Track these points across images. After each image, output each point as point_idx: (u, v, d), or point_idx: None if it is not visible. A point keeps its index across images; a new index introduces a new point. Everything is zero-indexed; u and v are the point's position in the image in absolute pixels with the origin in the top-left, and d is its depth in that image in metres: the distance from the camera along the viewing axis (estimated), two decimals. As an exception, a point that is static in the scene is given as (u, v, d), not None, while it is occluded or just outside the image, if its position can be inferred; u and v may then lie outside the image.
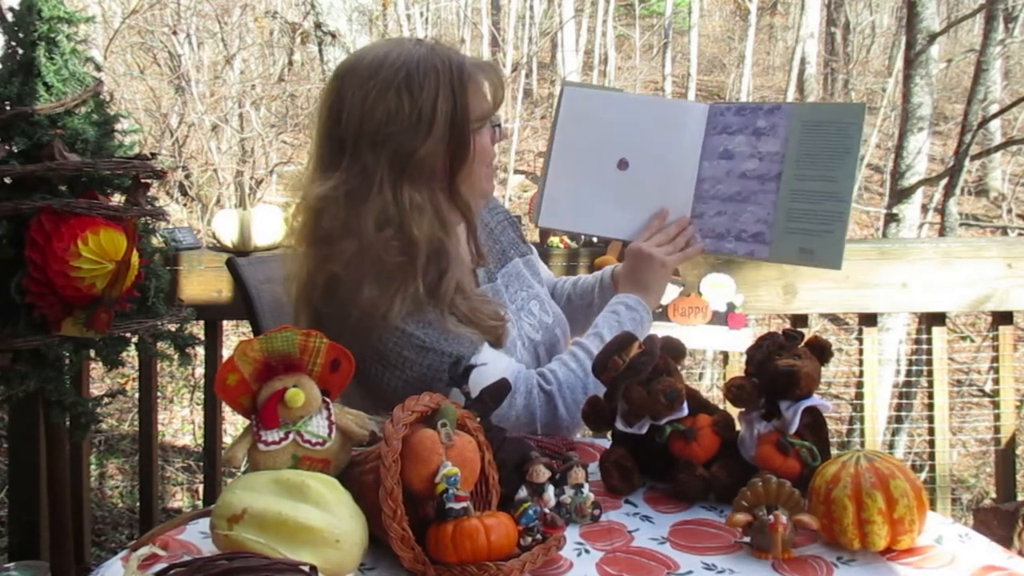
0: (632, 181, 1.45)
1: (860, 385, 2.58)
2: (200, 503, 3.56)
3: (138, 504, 2.77)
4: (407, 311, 1.25)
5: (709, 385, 5.81)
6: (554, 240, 2.53)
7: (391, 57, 1.29)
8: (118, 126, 1.79)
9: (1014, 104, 7.25)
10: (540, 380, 1.33)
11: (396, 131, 1.26)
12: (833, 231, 1.34)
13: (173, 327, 1.84)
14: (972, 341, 6.78)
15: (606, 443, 1.25)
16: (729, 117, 1.44)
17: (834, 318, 7.41)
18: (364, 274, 1.25)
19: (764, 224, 1.39)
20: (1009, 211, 9.84)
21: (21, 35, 1.69)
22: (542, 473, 1.04)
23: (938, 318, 2.53)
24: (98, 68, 1.92)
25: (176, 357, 1.89)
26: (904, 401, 4.75)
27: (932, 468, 2.55)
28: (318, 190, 1.29)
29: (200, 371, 3.07)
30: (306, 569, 0.74)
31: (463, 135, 1.29)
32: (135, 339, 1.83)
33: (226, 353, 1.89)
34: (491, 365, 1.25)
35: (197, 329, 2.20)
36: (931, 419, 2.52)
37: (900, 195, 4.75)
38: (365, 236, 1.25)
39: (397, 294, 1.25)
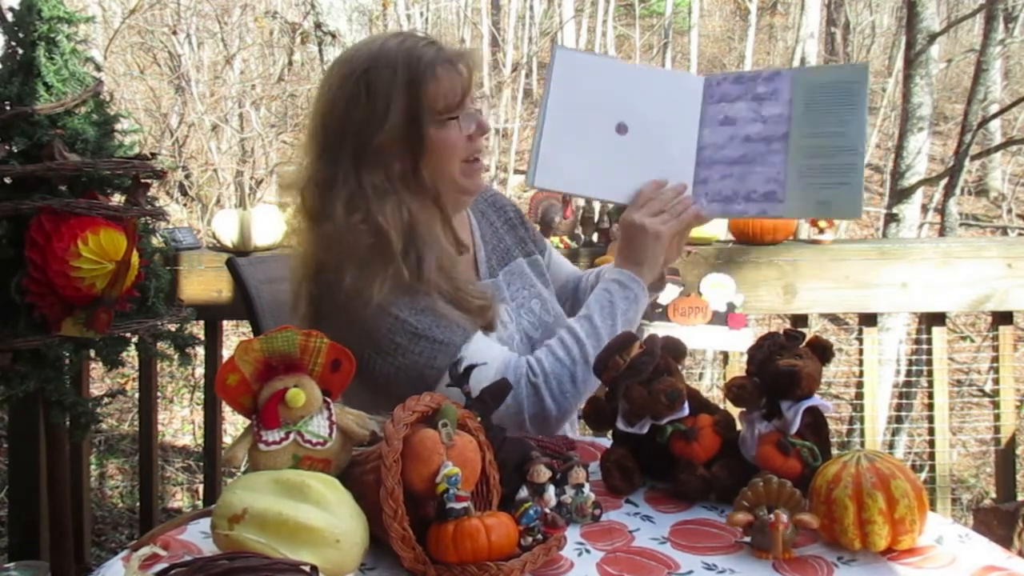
0: (631, 146, 1.38)
1: (860, 385, 2.58)
2: (200, 503, 3.56)
3: (138, 504, 2.77)
4: (395, 296, 1.27)
5: (709, 385, 5.81)
6: (554, 239, 2.53)
7: (363, 51, 1.36)
8: (118, 126, 1.79)
9: (1014, 104, 7.25)
10: (528, 371, 1.31)
11: (355, 122, 1.32)
12: (850, 182, 1.30)
13: (173, 327, 1.84)
14: (972, 341, 6.78)
15: (607, 443, 1.25)
16: (727, 86, 1.41)
17: (834, 318, 7.41)
18: (343, 258, 1.29)
19: (775, 183, 1.34)
20: (1009, 211, 9.84)
21: (21, 35, 1.70)
22: (543, 473, 1.04)
23: (938, 318, 2.53)
24: (98, 68, 1.92)
25: (176, 357, 1.89)
26: (904, 401, 4.75)
27: (932, 468, 2.55)
28: (297, 175, 1.37)
29: (200, 371, 3.07)
30: (307, 569, 0.74)
31: (418, 128, 1.31)
32: (135, 339, 1.83)
33: (226, 353, 1.89)
34: (484, 352, 1.27)
35: (197, 329, 2.21)
36: (931, 419, 2.53)
37: (900, 195, 4.76)
38: (337, 221, 1.30)
39: (376, 277, 1.27)
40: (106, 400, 1.90)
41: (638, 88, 1.41)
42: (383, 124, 1.30)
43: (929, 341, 2.53)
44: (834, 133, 1.33)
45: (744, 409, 1.13)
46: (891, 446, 4.45)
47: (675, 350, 1.20)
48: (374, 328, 1.28)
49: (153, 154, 1.78)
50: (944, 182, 5.36)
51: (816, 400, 1.09)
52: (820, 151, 1.33)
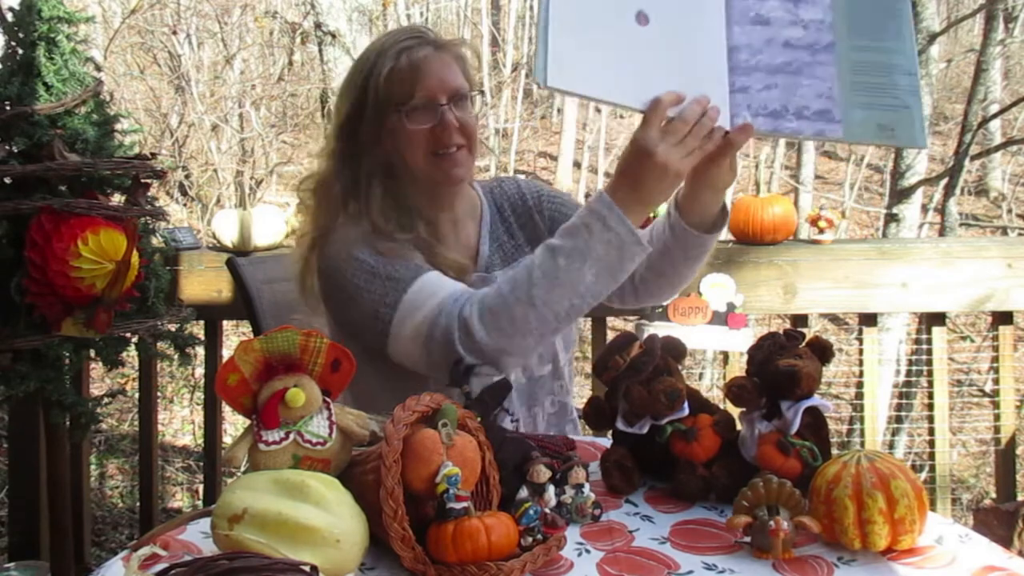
0: (654, 40, 1.13)
1: (860, 385, 2.58)
2: (200, 503, 3.56)
3: (138, 504, 2.77)
4: (363, 242, 1.34)
5: (709, 385, 5.81)
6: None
7: (369, 45, 1.46)
8: (118, 126, 1.79)
9: (1014, 104, 7.25)
10: (468, 301, 1.23)
11: (348, 115, 1.40)
12: (910, 106, 1.18)
13: (173, 327, 1.84)
14: (972, 341, 6.78)
15: (607, 443, 1.25)
16: None
17: (834, 318, 7.41)
18: (319, 201, 1.42)
19: (828, 100, 1.17)
20: (1009, 211, 9.84)
21: (21, 35, 1.69)
22: (543, 473, 1.04)
23: (938, 318, 2.53)
24: (98, 68, 1.92)
25: (176, 357, 1.89)
26: (904, 401, 4.75)
27: (932, 468, 2.55)
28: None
29: (200, 371, 3.07)
30: (307, 569, 0.74)
31: (383, 118, 1.37)
32: (135, 339, 1.83)
33: (226, 353, 1.89)
34: (434, 285, 1.28)
35: (197, 329, 2.20)
36: (931, 419, 2.53)
37: (900, 195, 4.75)
38: (333, 199, 1.41)
39: (351, 229, 1.36)
40: (106, 400, 1.90)
41: None
42: (362, 113, 1.38)
43: (929, 341, 2.53)
44: (886, 49, 1.19)
45: (744, 409, 1.13)
46: (891, 446, 4.46)
47: (675, 350, 1.20)
48: (343, 274, 1.33)
49: (153, 154, 1.78)
50: (944, 182, 5.36)
51: (816, 400, 1.09)
52: (873, 68, 1.19)
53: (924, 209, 6.50)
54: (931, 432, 2.53)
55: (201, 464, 3.48)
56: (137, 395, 2.70)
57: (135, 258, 1.61)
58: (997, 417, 2.54)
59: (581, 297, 1.17)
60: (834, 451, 1.09)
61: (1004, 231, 9.16)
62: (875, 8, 1.21)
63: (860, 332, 2.58)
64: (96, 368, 3.02)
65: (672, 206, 1.34)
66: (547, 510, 1.02)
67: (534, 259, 1.19)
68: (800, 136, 1.22)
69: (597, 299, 1.20)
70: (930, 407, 2.54)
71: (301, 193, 1.46)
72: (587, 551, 0.98)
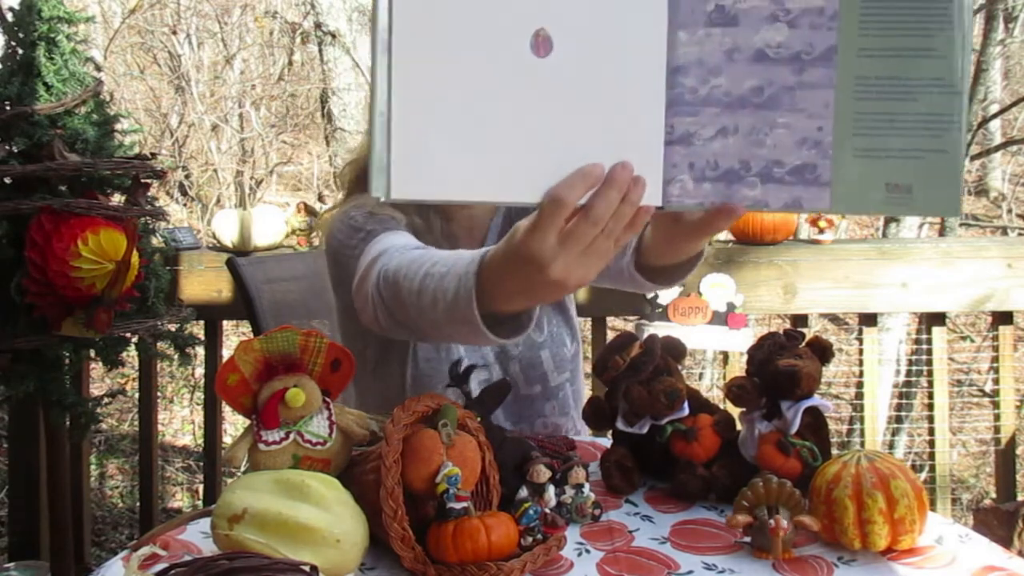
0: (558, 76, 0.72)
1: (860, 385, 2.58)
2: (200, 503, 3.56)
3: (138, 504, 2.77)
4: (357, 204, 1.34)
5: (709, 385, 5.81)
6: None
7: None
8: (118, 126, 1.79)
9: (1014, 104, 7.25)
10: (387, 268, 1.09)
11: None
12: (945, 149, 0.74)
13: (173, 327, 1.84)
14: (972, 341, 6.78)
15: (607, 443, 1.25)
16: None
17: (834, 318, 7.41)
18: (353, 177, 1.42)
19: (814, 148, 0.76)
20: (1009, 211, 9.83)
21: (21, 35, 1.69)
22: (542, 473, 1.04)
23: (938, 318, 2.53)
24: (98, 68, 1.93)
25: (176, 357, 1.89)
26: (904, 401, 4.75)
27: (932, 468, 2.55)
28: None
29: (200, 371, 3.07)
30: (307, 569, 0.74)
31: None
32: (135, 339, 1.83)
33: (226, 353, 1.89)
34: (392, 242, 1.17)
35: (197, 329, 2.20)
36: (931, 419, 2.53)
37: (900, 195, 4.74)
38: (361, 148, 1.45)
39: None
40: (106, 400, 1.90)
41: None
42: None
43: (929, 341, 2.53)
44: (915, 52, 0.74)
45: (744, 409, 1.13)
46: (891, 446, 4.46)
47: (675, 350, 1.20)
48: (332, 234, 1.34)
49: (153, 154, 1.78)
50: (944, 182, 5.34)
51: (816, 400, 1.09)
52: (892, 86, 0.75)
53: (924, 209, 6.48)
54: (931, 432, 2.53)
55: (201, 464, 3.48)
56: (137, 395, 2.70)
57: (135, 258, 1.61)
58: (997, 417, 2.54)
59: (434, 328, 0.99)
60: (834, 451, 1.09)
61: (1004, 231, 9.16)
62: None
63: (860, 332, 2.58)
64: (96, 368, 3.02)
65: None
66: (547, 510, 1.02)
67: (431, 266, 0.98)
68: (764, 209, 0.79)
69: (450, 340, 1.21)
70: (930, 407, 2.54)
71: (344, 167, 1.48)
72: (587, 551, 0.98)
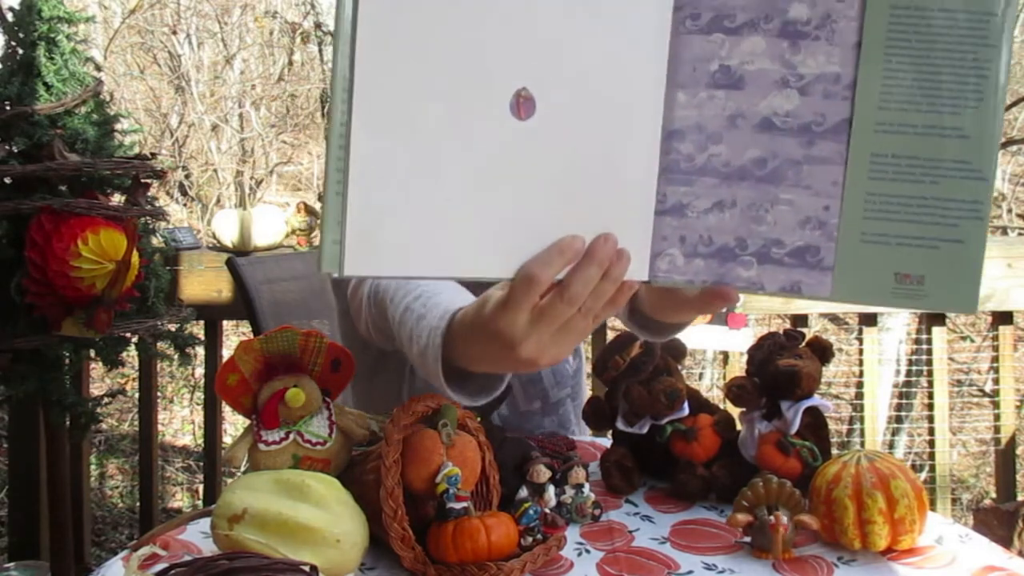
0: (538, 139, 0.65)
1: (860, 385, 2.58)
2: (200, 503, 3.56)
3: (138, 504, 2.77)
4: None
5: (709, 385, 5.81)
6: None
7: None
8: (118, 126, 1.79)
9: (1014, 104, 7.25)
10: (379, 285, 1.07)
11: None
12: (963, 240, 0.67)
13: (173, 327, 1.84)
14: (972, 341, 6.78)
15: (607, 443, 1.25)
16: None
17: (834, 318, 7.41)
18: None
19: (818, 229, 0.69)
20: (1009, 211, 9.84)
21: (21, 35, 1.70)
22: (542, 473, 1.04)
23: (938, 318, 2.53)
24: (98, 68, 1.92)
25: (176, 357, 1.89)
26: (904, 401, 4.75)
27: (932, 468, 2.55)
28: None
29: (200, 371, 3.07)
30: (306, 569, 0.74)
31: None
32: (135, 339, 1.83)
33: (226, 353, 1.89)
34: None
35: (197, 329, 2.21)
36: (931, 419, 2.53)
37: (900, 195, 4.75)
38: None
39: None
40: (106, 400, 1.90)
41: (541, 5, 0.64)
42: None
43: (929, 341, 2.53)
44: (941, 130, 0.67)
45: (744, 409, 1.13)
46: (891, 446, 4.46)
47: (675, 350, 1.20)
48: None
49: (153, 154, 1.78)
50: (944, 182, 5.35)
51: (816, 400, 1.09)
52: (912, 166, 0.68)
53: (924, 209, 6.48)
54: (931, 432, 2.53)
55: (201, 464, 3.48)
56: (137, 395, 2.70)
57: (135, 258, 1.61)
58: (997, 417, 2.54)
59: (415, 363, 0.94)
60: (834, 451, 1.09)
61: (1004, 231, 9.17)
62: (939, 58, 0.66)
63: (860, 332, 2.58)
64: (96, 368, 3.02)
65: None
66: (547, 510, 1.02)
67: (413, 300, 0.95)
68: (759, 292, 0.72)
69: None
70: (930, 407, 2.54)
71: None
72: (587, 551, 0.98)
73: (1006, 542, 2.02)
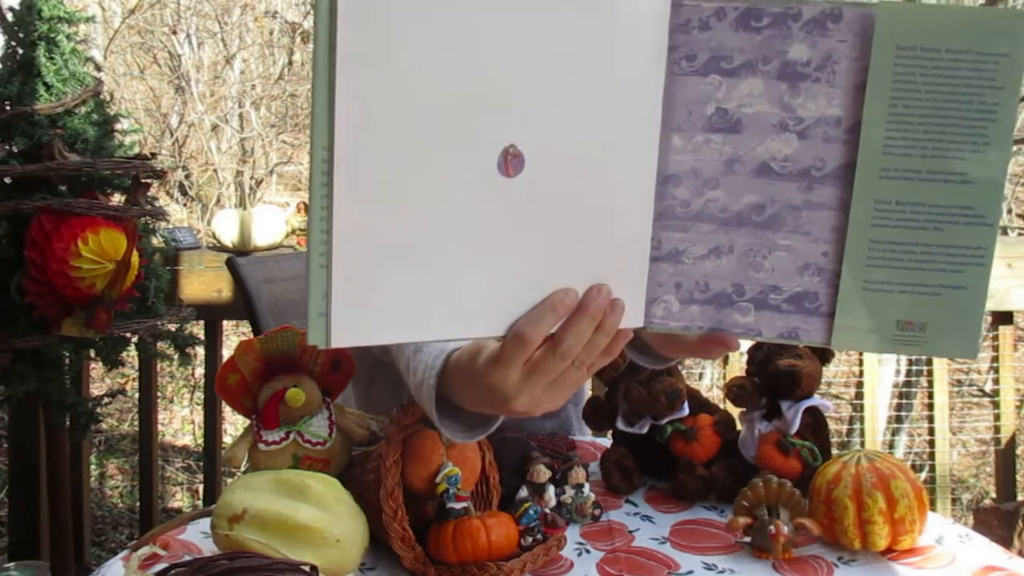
0: (528, 196, 0.63)
1: (860, 385, 2.58)
2: (200, 503, 3.56)
3: (138, 504, 2.77)
4: None
5: (709, 385, 5.81)
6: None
7: None
8: (118, 126, 1.79)
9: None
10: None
11: None
12: (967, 286, 0.66)
13: (173, 327, 1.84)
14: (972, 341, 6.77)
15: (607, 443, 1.25)
16: (722, 32, 0.65)
17: (834, 318, 7.41)
18: None
19: (817, 275, 0.68)
20: (1009, 211, 9.84)
21: (21, 35, 1.69)
22: (542, 473, 1.04)
23: (938, 318, 2.53)
24: (98, 68, 1.92)
25: (176, 357, 1.89)
26: (904, 401, 4.75)
27: (932, 468, 2.55)
28: None
29: (200, 371, 3.07)
30: (307, 569, 0.74)
31: None
32: (135, 339, 1.83)
33: (226, 353, 1.89)
34: None
35: (197, 329, 2.21)
36: (931, 419, 2.53)
37: (900, 195, 4.74)
38: None
39: None
40: (106, 400, 1.90)
41: (530, 43, 0.61)
42: None
43: (929, 341, 2.53)
44: (946, 175, 0.65)
45: (744, 409, 1.13)
46: (891, 446, 4.46)
47: (675, 350, 1.19)
48: None
49: (153, 154, 1.78)
50: (944, 182, 5.35)
51: (816, 400, 1.09)
52: (917, 213, 0.66)
53: (924, 209, 6.49)
54: (931, 432, 2.53)
55: (201, 464, 3.48)
56: (137, 395, 2.70)
57: (135, 258, 1.61)
58: (997, 417, 2.54)
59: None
60: (834, 451, 1.09)
61: (1004, 231, 9.17)
62: (947, 105, 0.64)
63: (860, 332, 2.58)
64: (96, 368, 3.02)
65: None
66: (547, 510, 1.02)
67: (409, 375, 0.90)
68: (756, 338, 0.71)
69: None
70: (930, 407, 2.54)
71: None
72: (587, 551, 0.98)
73: (1006, 542, 2.02)
